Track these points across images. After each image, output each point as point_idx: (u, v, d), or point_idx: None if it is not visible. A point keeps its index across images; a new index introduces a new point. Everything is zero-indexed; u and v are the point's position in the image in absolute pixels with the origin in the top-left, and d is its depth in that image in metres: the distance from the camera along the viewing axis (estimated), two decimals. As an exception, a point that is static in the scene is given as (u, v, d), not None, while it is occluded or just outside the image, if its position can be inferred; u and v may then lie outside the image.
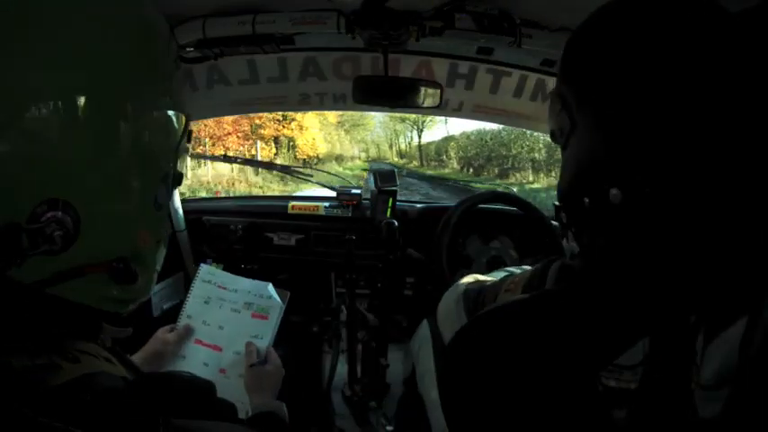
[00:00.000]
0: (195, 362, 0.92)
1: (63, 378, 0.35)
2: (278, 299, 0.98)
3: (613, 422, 0.32)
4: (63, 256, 0.37)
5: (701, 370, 0.30)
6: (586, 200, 0.40)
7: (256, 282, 1.00)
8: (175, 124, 0.46)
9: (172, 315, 0.99)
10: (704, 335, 0.31)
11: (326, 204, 1.54)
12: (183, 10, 1.10)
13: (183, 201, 1.51)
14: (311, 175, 1.70)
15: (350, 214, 1.52)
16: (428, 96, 1.26)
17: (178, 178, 0.48)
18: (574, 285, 0.36)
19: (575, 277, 0.38)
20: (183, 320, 0.96)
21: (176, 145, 0.46)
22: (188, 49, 1.21)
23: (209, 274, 1.01)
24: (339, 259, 1.50)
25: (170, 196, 0.47)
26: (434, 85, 1.26)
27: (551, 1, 0.98)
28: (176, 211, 1.47)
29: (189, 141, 0.49)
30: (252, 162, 6.39)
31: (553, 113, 0.42)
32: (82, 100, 0.36)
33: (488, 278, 0.64)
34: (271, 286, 1.00)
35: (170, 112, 0.45)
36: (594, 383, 0.33)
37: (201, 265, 1.04)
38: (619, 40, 0.37)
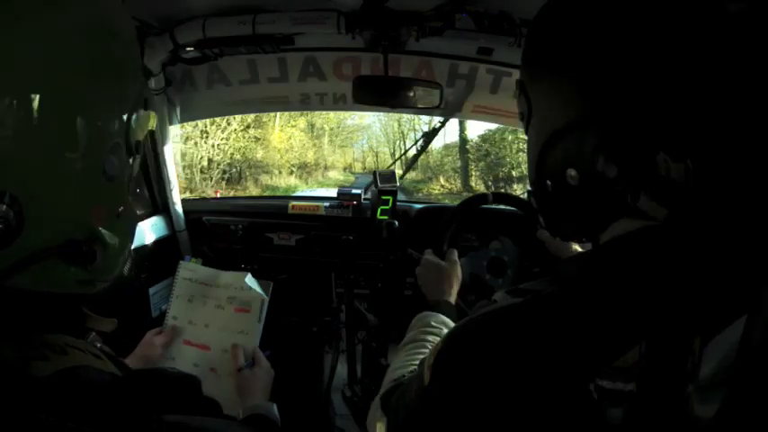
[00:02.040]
0: (185, 363, 0.92)
1: (51, 369, 0.35)
2: (259, 290, 0.96)
3: (609, 423, 0.32)
4: (11, 247, 0.35)
5: (698, 370, 0.30)
6: (548, 182, 0.40)
7: (236, 273, 0.98)
8: (126, 103, 0.44)
9: (171, 315, 0.99)
10: (702, 335, 0.30)
11: (327, 204, 1.54)
12: (183, 10, 1.10)
13: (183, 201, 1.51)
14: None
15: (350, 214, 1.52)
16: (428, 96, 1.26)
17: (135, 146, 0.46)
18: (569, 287, 0.36)
19: (569, 279, 0.37)
20: (169, 322, 0.95)
21: (127, 116, 0.44)
22: (188, 49, 1.21)
23: (188, 271, 1.00)
24: (339, 259, 1.50)
25: (125, 166, 0.45)
26: (434, 85, 1.26)
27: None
28: (176, 211, 1.47)
29: (146, 109, 0.47)
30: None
31: (516, 98, 0.46)
32: (31, 98, 0.35)
33: (410, 369, 0.63)
34: (249, 276, 0.97)
35: (118, 96, 0.43)
36: (590, 386, 0.32)
37: (180, 262, 1.02)
38: (560, 25, 0.40)
